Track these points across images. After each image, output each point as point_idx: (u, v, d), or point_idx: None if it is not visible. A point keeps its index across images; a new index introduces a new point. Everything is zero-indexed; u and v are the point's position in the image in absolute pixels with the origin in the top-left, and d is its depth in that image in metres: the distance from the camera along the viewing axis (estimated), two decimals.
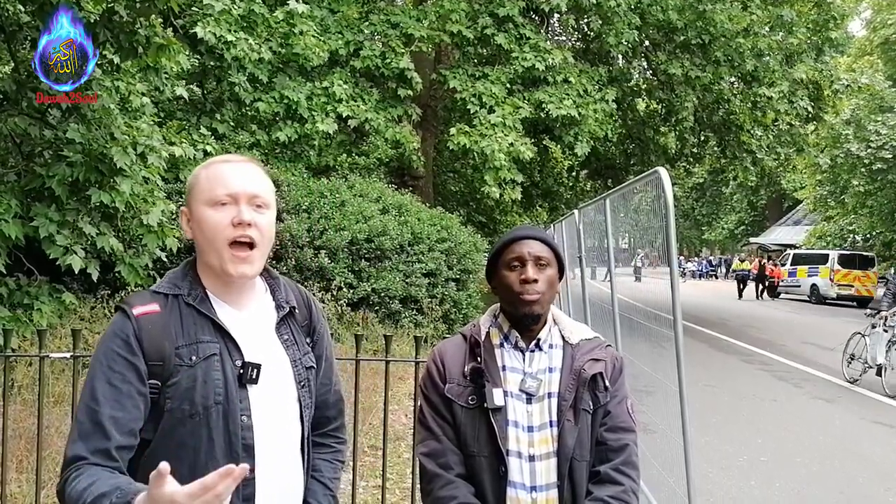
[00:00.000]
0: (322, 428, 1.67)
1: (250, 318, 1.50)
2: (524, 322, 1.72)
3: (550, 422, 1.67)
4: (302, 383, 1.54)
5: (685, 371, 3.54)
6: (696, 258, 48.20)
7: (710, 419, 7.05)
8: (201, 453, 1.39)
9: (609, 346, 1.81)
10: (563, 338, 1.76)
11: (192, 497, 1.11)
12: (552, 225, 13.44)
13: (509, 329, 1.75)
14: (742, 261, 28.58)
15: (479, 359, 1.71)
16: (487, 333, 1.76)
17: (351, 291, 8.64)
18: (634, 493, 1.69)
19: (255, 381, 1.44)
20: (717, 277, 43.67)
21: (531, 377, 1.70)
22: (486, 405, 1.66)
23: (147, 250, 5.67)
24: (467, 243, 10.42)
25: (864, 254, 24.63)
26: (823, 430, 6.93)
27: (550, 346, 1.74)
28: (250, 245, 1.44)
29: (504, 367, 1.71)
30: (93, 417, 1.33)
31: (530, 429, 1.68)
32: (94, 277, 5.29)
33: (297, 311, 1.59)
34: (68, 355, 2.96)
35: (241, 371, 1.43)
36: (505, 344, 1.75)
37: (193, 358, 1.40)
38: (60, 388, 4.85)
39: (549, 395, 1.69)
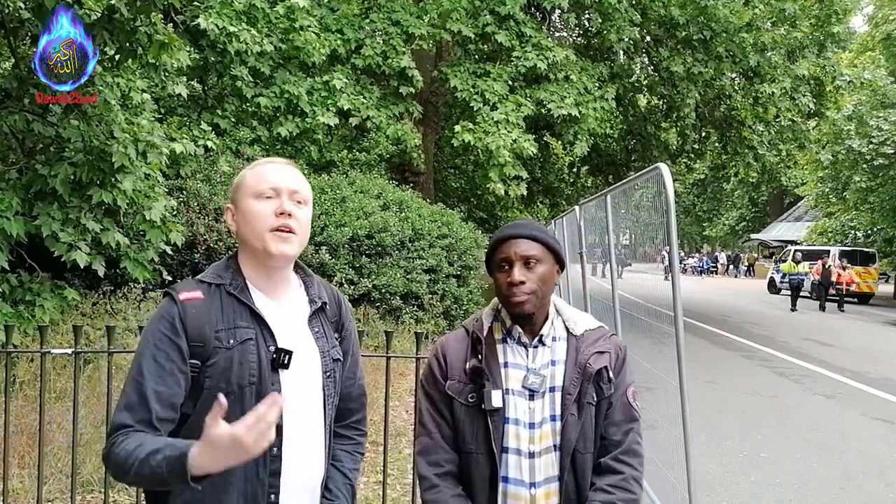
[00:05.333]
0: (345, 419, 1.76)
1: (285, 309, 1.62)
2: (518, 321, 1.72)
3: (553, 416, 1.66)
4: (328, 373, 1.64)
5: (685, 367, 3.55)
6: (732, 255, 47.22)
7: (711, 415, 7.06)
8: None
9: (613, 335, 1.79)
10: (566, 329, 1.74)
11: (249, 428, 1.27)
12: (553, 221, 13.43)
13: (511, 324, 1.73)
14: (797, 262, 20.38)
15: (479, 356, 1.69)
16: (490, 329, 1.73)
17: (352, 288, 8.64)
18: (636, 480, 1.68)
19: (286, 366, 1.55)
20: (717, 273, 43.70)
21: (534, 373, 1.68)
22: (483, 406, 1.65)
23: (151, 245, 5.69)
24: (468, 239, 10.42)
25: (866, 250, 24.68)
26: (823, 425, 6.93)
27: (554, 340, 1.72)
28: (290, 233, 1.58)
29: (506, 364, 1.69)
30: (139, 390, 1.46)
31: (531, 425, 1.66)
32: (101, 273, 5.31)
33: (328, 306, 1.70)
34: (70, 351, 2.97)
35: (275, 356, 1.54)
36: (508, 339, 1.72)
37: (231, 341, 1.52)
38: (62, 383, 4.86)
39: (553, 388, 1.67)
